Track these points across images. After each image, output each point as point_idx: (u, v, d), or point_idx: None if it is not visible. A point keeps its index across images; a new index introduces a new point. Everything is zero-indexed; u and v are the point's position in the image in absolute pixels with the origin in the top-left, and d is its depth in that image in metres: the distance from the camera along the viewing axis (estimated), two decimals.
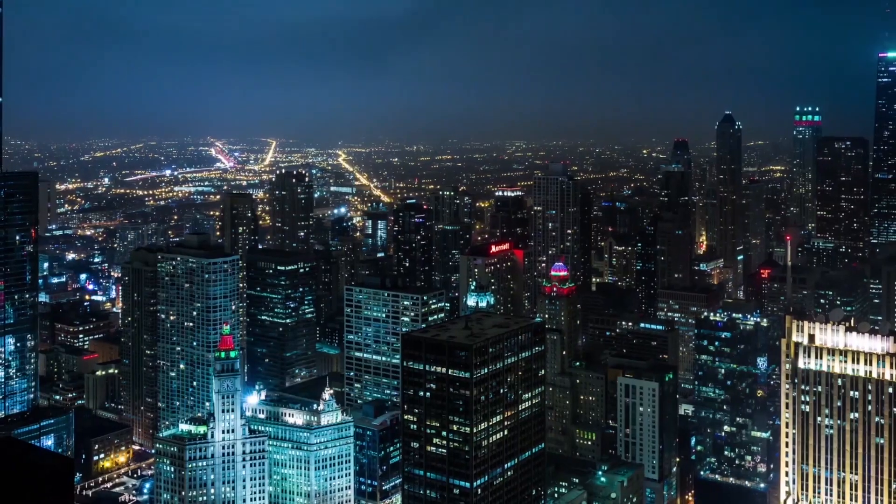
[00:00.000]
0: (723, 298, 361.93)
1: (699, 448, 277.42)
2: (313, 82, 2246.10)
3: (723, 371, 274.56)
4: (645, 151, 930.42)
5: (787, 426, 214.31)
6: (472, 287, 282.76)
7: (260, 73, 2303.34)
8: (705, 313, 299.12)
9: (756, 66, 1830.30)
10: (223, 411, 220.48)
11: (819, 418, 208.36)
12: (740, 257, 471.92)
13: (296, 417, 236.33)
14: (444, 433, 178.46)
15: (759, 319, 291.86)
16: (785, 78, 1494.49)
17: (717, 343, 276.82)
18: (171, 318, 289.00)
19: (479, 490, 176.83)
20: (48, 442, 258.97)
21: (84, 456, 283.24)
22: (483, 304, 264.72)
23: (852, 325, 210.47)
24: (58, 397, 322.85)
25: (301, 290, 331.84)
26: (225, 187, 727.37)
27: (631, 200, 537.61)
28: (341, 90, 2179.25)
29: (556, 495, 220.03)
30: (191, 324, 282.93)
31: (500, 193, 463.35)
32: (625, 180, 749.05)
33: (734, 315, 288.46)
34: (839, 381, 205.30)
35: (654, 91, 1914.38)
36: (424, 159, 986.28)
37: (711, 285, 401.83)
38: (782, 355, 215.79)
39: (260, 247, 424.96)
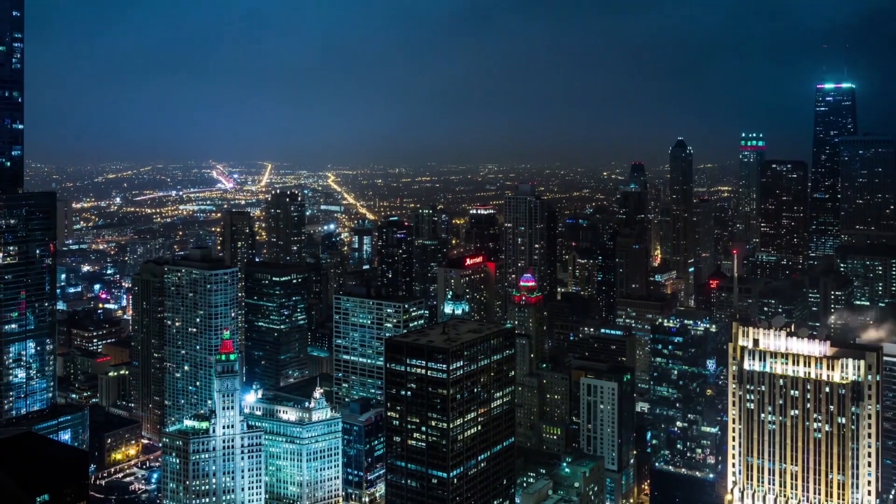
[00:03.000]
0: (675, 306, 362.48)
1: (654, 442, 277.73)
2: (305, 110, 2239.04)
3: (675, 372, 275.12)
4: (605, 173, 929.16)
5: (733, 422, 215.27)
6: (449, 296, 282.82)
7: (256, 102, 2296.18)
8: (660, 320, 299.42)
9: (705, 96, 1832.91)
10: (223, 409, 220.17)
11: (763, 415, 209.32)
12: (691, 269, 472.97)
13: (289, 414, 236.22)
14: (423, 428, 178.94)
15: (708, 325, 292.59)
16: (731, 107, 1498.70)
17: (670, 347, 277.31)
18: (177, 324, 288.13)
19: (455, 480, 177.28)
20: (65, 436, 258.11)
21: (98, 449, 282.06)
22: (459, 311, 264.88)
23: (792, 330, 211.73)
24: (74, 396, 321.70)
25: (294, 298, 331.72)
26: (225, 206, 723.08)
27: (592, 218, 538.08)
28: (330, 117, 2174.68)
29: (524, 484, 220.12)
30: (194, 329, 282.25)
31: (474, 211, 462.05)
32: (587, 199, 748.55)
33: (686, 321, 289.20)
34: (781, 381, 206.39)
35: (614, 119, 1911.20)
36: (406, 180, 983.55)
37: (665, 294, 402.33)
38: (729, 358, 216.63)
39: (257, 260, 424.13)
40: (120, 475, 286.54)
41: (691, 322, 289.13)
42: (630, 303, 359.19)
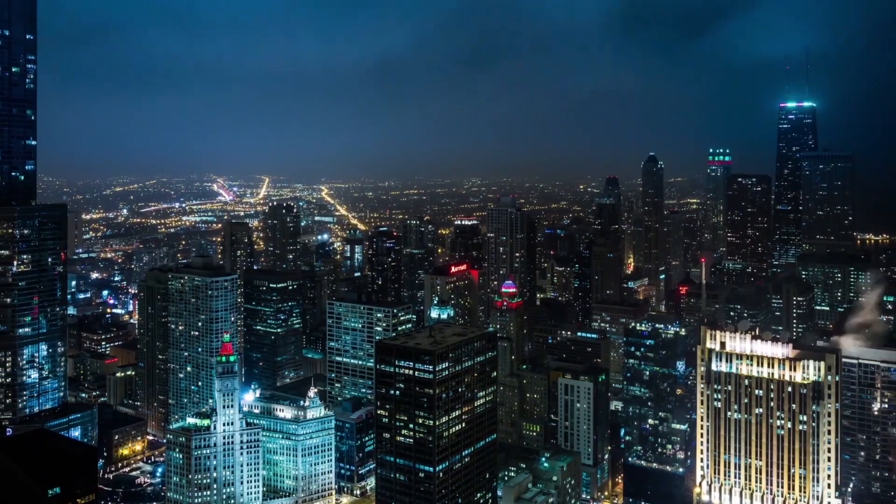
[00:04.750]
0: (647, 311, 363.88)
1: (627, 438, 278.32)
2: (301, 127, 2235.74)
3: (647, 373, 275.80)
4: (581, 187, 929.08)
5: (702, 419, 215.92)
6: (435, 302, 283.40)
7: (255, 118, 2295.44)
8: (633, 324, 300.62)
9: (676, 114, 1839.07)
10: (224, 407, 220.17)
11: (729, 413, 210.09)
12: (662, 276, 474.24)
13: (285, 412, 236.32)
14: (411, 425, 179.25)
15: (678, 329, 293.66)
16: (700, 124, 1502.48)
17: (642, 349, 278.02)
18: (180, 327, 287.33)
19: (441, 474, 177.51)
20: (75, 433, 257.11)
21: (106, 445, 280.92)
22: (444, 316, 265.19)
23: (757, 333, 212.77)
24: (83, 395, 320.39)
25: (290, 304, 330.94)
26: (225, 217, 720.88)
27: (569, 228, 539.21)
28: (324, 134, 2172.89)
29: (505, 478, 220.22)
30: (196, 333, 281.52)
31: (459, 222, 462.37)
32: (564, 211, 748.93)
33: (657, 325, 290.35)
34: (746, 381, 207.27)
35: (590, 136, 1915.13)
36: (394, 193, 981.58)
37: (638, 300, 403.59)
38: (698, 359, 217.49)
39: (255, 267, 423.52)
40: (127, 469, 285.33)
41: (662, 326, 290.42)
42: (605, 308, 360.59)
